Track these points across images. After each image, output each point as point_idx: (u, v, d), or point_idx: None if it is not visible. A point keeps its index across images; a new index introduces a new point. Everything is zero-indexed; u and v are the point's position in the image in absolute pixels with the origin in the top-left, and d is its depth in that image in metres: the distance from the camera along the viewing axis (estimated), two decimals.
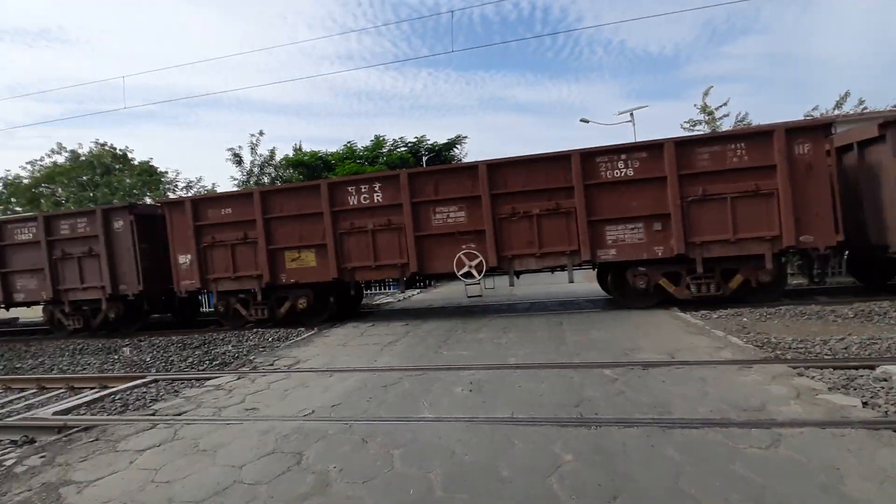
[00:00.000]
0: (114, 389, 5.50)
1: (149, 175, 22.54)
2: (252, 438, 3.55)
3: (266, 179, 19.57)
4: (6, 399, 5.84)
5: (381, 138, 20.56)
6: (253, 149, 19.22)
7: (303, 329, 8.54)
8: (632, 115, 21.46)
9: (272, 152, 19.80)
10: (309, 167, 19.10)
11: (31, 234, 10.18)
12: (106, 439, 3.74)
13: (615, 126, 29.73)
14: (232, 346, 7.55)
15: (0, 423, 4.50)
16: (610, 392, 3.98)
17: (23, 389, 6.26)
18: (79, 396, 5.59)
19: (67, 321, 10.24)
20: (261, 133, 19.37)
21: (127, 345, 8.69)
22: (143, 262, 9.63)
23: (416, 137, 20.54)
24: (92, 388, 5.89)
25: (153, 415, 4.28)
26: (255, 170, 19.47)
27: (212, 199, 9.69)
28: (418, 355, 5.92)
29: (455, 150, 21.43)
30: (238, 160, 19.07)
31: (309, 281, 8.93)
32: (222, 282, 9.29)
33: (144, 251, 9.69)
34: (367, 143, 20.54)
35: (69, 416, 4.45)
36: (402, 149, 20.39)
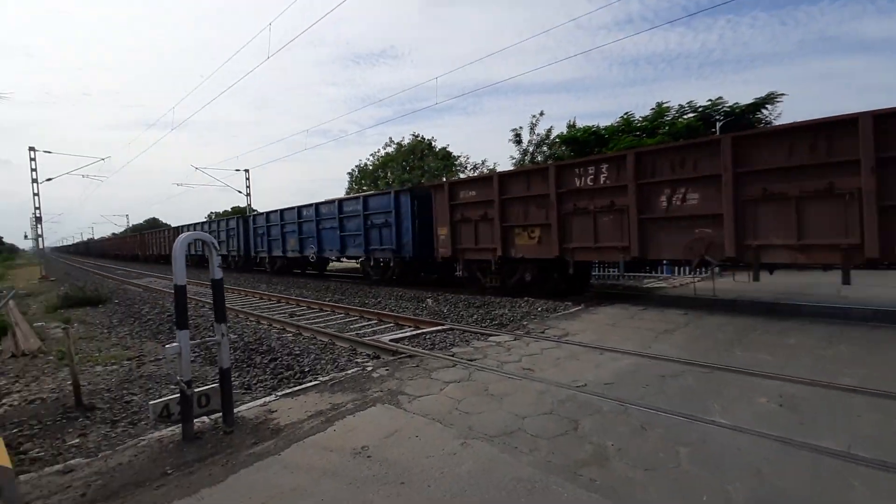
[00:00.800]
0: (424, 331, 6.96)
1: (447, 159, 26.95)
2: (530, 395, 3.90)
3: (539, 157, 20.53)
4: (362, 324, 8.17)
5: (663, 105, 18.52)
6: (532, 128, 20.43)
7: (570, 303, 8.74)
8: None
9: (548, 131, 20.56)
10: (580, 143, 18.98)
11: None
12: (423, 367, 4.78)
13: None
14: (507, 310, 8.40)
15: (361, 341, 6.34)
16: None
17: (369, 319, 8.62)
18: (402, 331, 7.32)
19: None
20: (541, 113, 20.35)
21: (429, 297, 10.82)
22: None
23: (709, 100, 17.58)
24: (409, 327, 7.62)
25: (453, 356, 5.20)
26: (531, 149, 20.68)
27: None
28: (703, 350, 5.22)
29: (763, 111, 17.34)
30: (518, 140, 20.62)
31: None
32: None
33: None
34: (647, 112, 18.86)
35: (399, 345, 5.88)
36: (690, 115, 17.83)
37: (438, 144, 29.32)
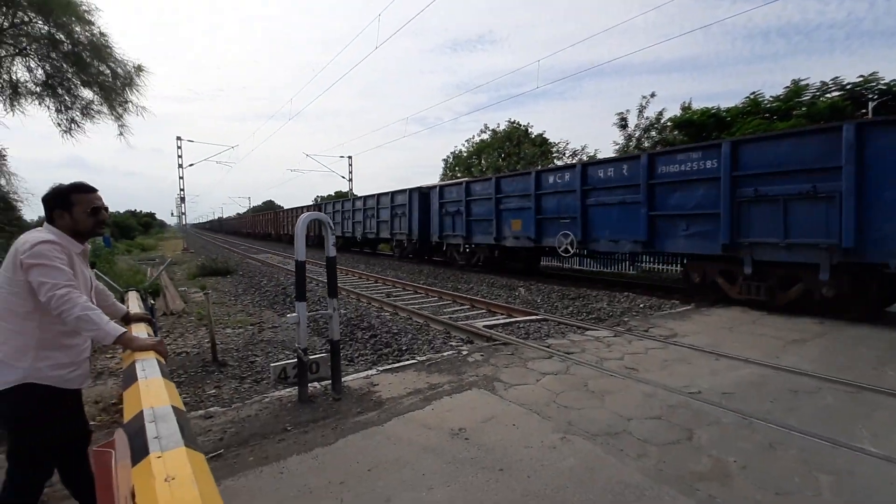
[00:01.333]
0: (517, 319, 6.88)
1: (543, 146, 26.16)
2: (635, 396, 3.66)
3: (647, 143, 19.05)
4: (455, 308, 8.31)
5: (799, 83, 16.04)
6: (640, 112, 18.97)
7: (676, 301, 8.07)
8: None
9: (659, 114, 18.94)
10: (697, 126, 17.20)
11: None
12: (518, 356, 4.72)
13: None
14: (606, 304, 7.98)
15: (456, 325, 6.45)
16: None
17: (461, 304, 8.74)
18: (495, 318, 7.31)
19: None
20: (652, 95, 18.79)
21: (522, 286, 10.67)
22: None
23: (860, 76, 14.86)
24: (502, 314, 7.58)
25: (548, 347, 5.06)
26: (638, 133, 19.24)
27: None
28: (844, 366, 4.49)
29: None
30: (623, 124, 19.31)
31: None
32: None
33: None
34: (779, 91, 16.49)
35: (493, 331, 5.87)
36: (835, 94, 15.24)
37: (535, 130, 28.58)
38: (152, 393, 1.17)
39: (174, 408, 1.09)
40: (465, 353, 4.88)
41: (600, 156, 21.44)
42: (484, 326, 6.19)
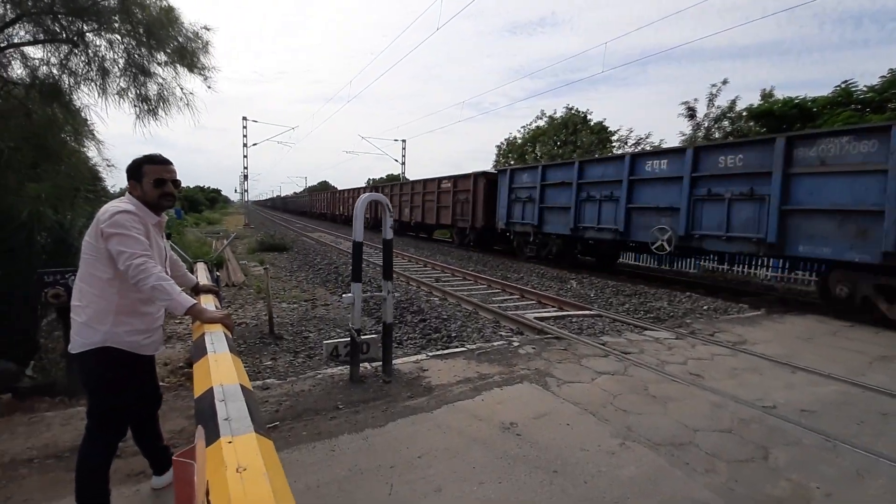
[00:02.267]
0: (569, 313, 6.65)
1: (601, 134, 25.08)
2: (702, 405, 3.40)
3: (717, 134, 17.75)
4: (504, 297, 8.17)
5: None
6: (711, 101, 17.65)
7: (745, 305, 7.50)
8: None
9: (732, 103, 17.55)
10: (777, 118, 15.80)
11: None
12: (572, 352, 4.55)
13: None
14: (666, 303, 7.56)
15: (505, 314, 6.33)
16: None
17: (510, 293, 8.58)
18: (545, 310, 7.11)
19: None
20: (724, 82, 17.40)
21: (573, 279, 10.33)
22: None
23: None
24: (552, 307, 7.36)
25: (603, 345, 4.84)
26: (707, 123, 17.95)
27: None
28: None
29: None
30: (691, 114, 18.08)
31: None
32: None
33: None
34: (876, 80, 14.75)
35: (544, 324, 5.70)
36: None
37: (594, 118, 27.41)
38: (221, 369, 1.16)
39: (242, 387, 1.07)
40: (515, 344, 4.76)
41: (665, 145, 20.23)
42: (535, 318, 6.03)
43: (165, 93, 4.61)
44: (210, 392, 1.03)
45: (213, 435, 0.83)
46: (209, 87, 4.70)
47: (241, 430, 0.83)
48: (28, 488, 2.26)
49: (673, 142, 21.56)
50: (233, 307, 7.00)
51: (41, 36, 4.19)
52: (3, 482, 2.30)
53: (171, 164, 2.04)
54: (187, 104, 4.69)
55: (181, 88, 4.61)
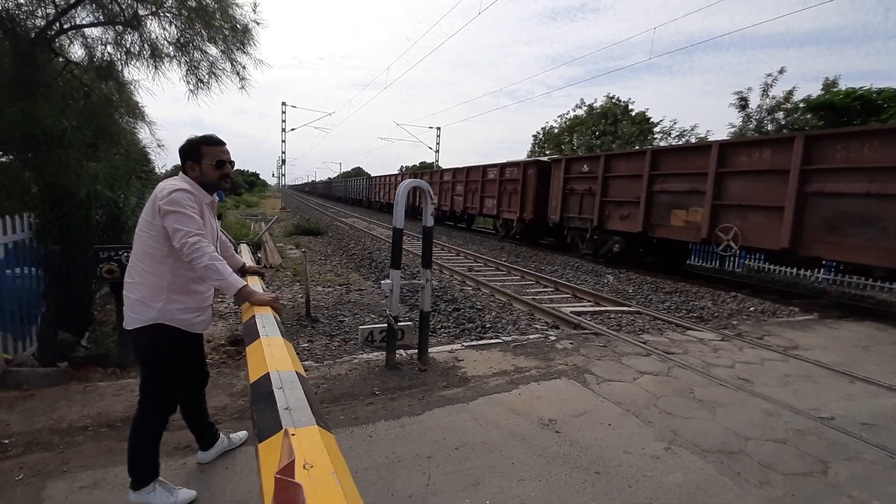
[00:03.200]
0: (606, 308, 6.46)
1: (642, 124, 24.19)
2: (753, 413, 3.23)
3: (770, 127, 16.77)
4: (539, 289, 8.03)
5: None
6: (765, 91, 16.66)
7: (796, 309, 7.09)
8: None
9: (789, 93, 16.50)
10: (838, 111, 14.78)
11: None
12: (612, 349, 4.41)
13: None
14: (710, 303, 7.24)
15: (540, 307, 6.21)
16: None
17: (545, 286, 8.43)
18: (581, 304, 6.95)
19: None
20: (780, 71, 16.34)
21: (610, 273, 10.05)
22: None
23: None
24: (588, 301, 7.18)
25: (644, 343, 4.67)
26: (759, 115, 16.97)
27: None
28: None
29: None
30: (743, 104, 17.12)
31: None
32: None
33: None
34: None
35: (581, 318, 5.56)
36: None
37: (636, 108, 26.43)
38: (276, 354, 1.14)
39: (298, 374, 1.05)
40: (552, 338, 4.66)
41: (711, 138, 19.28)
42: (571, 312, 5.89)
43: (216, 68, 4.71)
44: (266, 378, 1.01)
45: (273, 426, 0.81)
46: (260, 61, 4.78)
47: (302, 421, 0.80)
48: (84, 454, 2.36)
49: (721, 134, 20.52)
50: (271, 288, 7.17)
51: (101, 17, 4.33)
52: (62, 448, 2.41)
53: (226, 144, 2.05)
54: (238, 73, 4.77)
55: (232, 63, 4.70)
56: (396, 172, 38.00)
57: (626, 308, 6.52)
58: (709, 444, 2.74)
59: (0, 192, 4.10)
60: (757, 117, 17.50)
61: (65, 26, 4.43)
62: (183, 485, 2.10)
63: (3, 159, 4.42)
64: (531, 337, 4.72)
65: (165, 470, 2.16)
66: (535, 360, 4.01)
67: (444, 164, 38.49)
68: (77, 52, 4.83)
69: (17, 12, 4.23)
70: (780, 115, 16.86)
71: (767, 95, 16.79)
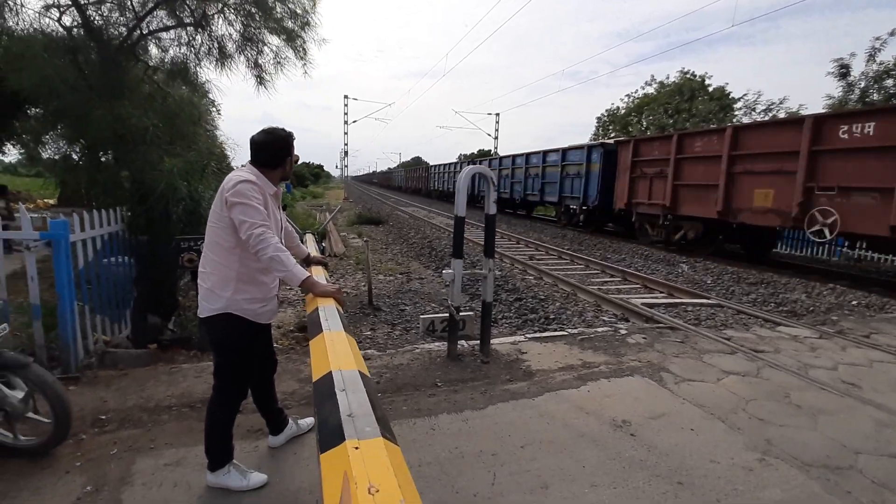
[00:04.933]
0: (682, 300, 6.00)
1: (722, 100, 22.22)
2: (863, 423, 2.82)
3: (876, 96, 14.73)
4: (605, 279, 7.65)
5: None
6: (871, 56, 14.58)
7: None
8: None
9: None
10: None
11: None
12: (690, 346, 4.06)
13: None
14: (803, 295, 6.51)
15: (607, 298, 5.89)
16: None
17: (612, 275, 8.00)
18: (653, 295, 6.51)
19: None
20: (891, 33, 14.20)
21: (685, 262, 9.37)
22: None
23: None
24: (661, 292, 6.72)
25: (728, 340, 4.26)
26: (864, 84, 14.93)
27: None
28: None
29: None
30: (844, 72, 15.14)
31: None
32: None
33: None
34: None
35: (653, 311, 5.19)
36: None
37: (713, 83, 24.28)
38: (338, 351, 1.09)
39: (361, 375, 0.98)
40: (623, 332, 4.38)
41: (804, 112, 17.30)
42: (642, 304, 5.52)
43: (280, 57, 4.87)
44: (329, 378, 0.96)
45: (335, 436, 0.75)
46: (323, 41, 4.91)
47: (367, 432, 0.73)
48: (169, 433, 2.52)
49: (816, 107, 18.37)
50: (334, 277, 7.38)
51: (172, 22, 4.58)
52: (150, 425, 2.59)
53: None
54: (301, 54, 4.91)
55: (295, 50, 4.84)
56: (455, 161, 37.87)
57: (704, 300, 6.02)
58: (811, 457, 2.41)
59: (101, 189, 4.50)
60: (861, 86, 15.43)
61: (143, 32, 4.73)
62: (255, 467, 2.16)
63: (103, 159, 4.84)
64: (599, 330, 4.47)
65: (239, 452, 2.24)
66: (604, 355, 3.78)
67: (502, 151, 37.83)
68: (154, 54, 5.16)
69: (103, 23, 4.57)
70: (890, 82, 14.74)
71: (874, 61, 14.69)
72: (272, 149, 2.00)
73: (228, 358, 2.00)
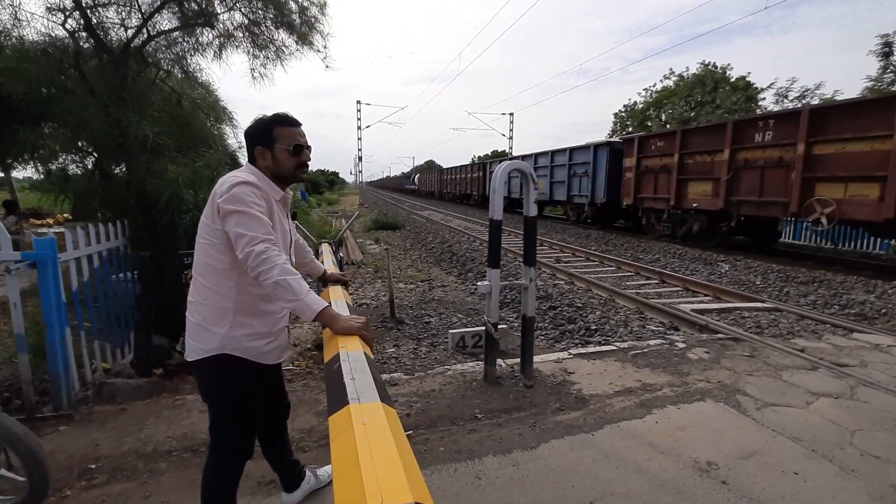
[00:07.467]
0: (734, 305, 5.44)
1: (748, 91, 21.33)
2: None
3: None
4: (641, 282, 7.11)
5: None
6: None
7: None
8: None
9: None
10: None
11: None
12: (762, 361, 3.53)
13: None
14: (873, 296, 5.88)
15: (649, 303, 5.37)
16: None
17: (647, 277, 7.45)
18: (698, 299, 5.96)
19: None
20: None
21: (723, 260, 8.75)
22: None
23: None
24: (706, 295, 6.16)
25: (802, 352, 3.73)
26: None
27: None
28: None
29: None
30: (886, 51, 14.21)
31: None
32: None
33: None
34: None
35: (707, 318, 4.66)
36: None
37: (735, 73, 23.34)
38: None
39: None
40: (680, 345, 3.87)
41: (840, 97, 16.36)
42: (692, 310, 4.99)
43: (284, 51, 4.54)
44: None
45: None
46: (331, 35, 4.59)
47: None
48: (166, 487, 2.13)
49: (851, 92, 17.43)
50: (352, 287, 7.00)
51: (177, 22, 4.27)
52: (145, 476, 2.20)
53: (302, 125, 1.63)
54: (321, 51, 4.59)
55: (304, 42, 4.51)
56: (468, 163, 37.38)
57: (759, 304, 5.45)
58: None
59: (112, 201, 4.20)
60: None
61: (151, 33, 4.43)
62: None
63: (116, 171, 4.56)
64: (651, 343, 3.97)
65: None
66: (664, 375, 3.29)
67: (516, 152, 37.18)
68: (164, 57, 4.86)
69: (107, 24, 4.27)
70: None
71: None
72: (248, 140, 1.61)
73: (225, 409, 1.59)
